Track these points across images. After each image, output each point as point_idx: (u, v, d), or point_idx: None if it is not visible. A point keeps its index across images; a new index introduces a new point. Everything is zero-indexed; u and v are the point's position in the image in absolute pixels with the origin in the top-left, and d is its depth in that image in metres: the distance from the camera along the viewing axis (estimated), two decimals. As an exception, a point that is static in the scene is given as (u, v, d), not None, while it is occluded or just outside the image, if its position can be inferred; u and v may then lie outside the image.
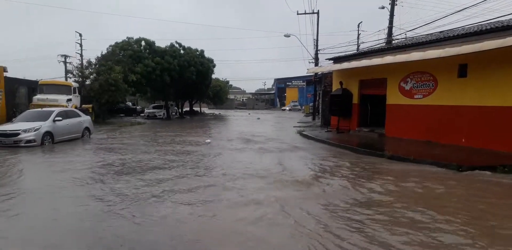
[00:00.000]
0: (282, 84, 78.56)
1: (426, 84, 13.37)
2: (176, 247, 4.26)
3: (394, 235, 4.55)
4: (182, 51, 35.46)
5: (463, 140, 11.81)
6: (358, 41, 33.07)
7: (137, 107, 42.45)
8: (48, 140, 13.04)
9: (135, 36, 33.26)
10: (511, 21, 11.32)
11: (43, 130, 12.79)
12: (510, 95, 10.57)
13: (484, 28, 11.45)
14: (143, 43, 33.25)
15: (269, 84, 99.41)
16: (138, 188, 6.83)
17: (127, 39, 32.77)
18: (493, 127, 10.97)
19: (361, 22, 35.35)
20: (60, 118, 13.68)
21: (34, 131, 12.56)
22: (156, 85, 32.81)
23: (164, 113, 35.54)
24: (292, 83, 76.30)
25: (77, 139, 14.75)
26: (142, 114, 37.12)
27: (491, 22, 13.51)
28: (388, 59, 13.28)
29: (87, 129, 15.58)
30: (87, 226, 4.89)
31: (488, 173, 8.38)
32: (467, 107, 11.82)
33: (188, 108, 47.39)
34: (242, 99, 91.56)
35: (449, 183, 7.45)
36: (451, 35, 12.63)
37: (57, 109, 14.34)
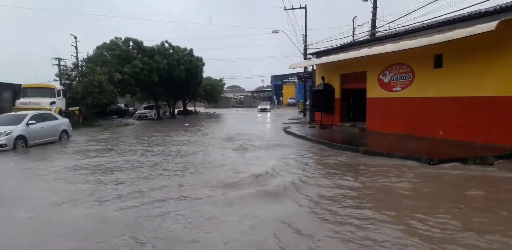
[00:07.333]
0: (278, 81, 78.25)
1: (403, 76, 13.11)
2: None
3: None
4: (171, 50, 35.26)
5: (441, 132, 11.56)
6: (353, 36, 31.78)
7: (130, 108, 42.20)
8: (21, 144, 12.83)
9: (129, 37, 33.05)
10: (483, 9, 11.00)
11: (15, 134, 12.57)
12: (483, 84, 10.32)
13: (457, 17, 11.16)
14: (131, 43, 33.00)
15: (268, 81, 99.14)
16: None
17: (114, 39, 32.50)
18: (468, 118, 10.72)
19: (356, 16, 33.29)
20: (34, 121, 13.43)
21: (6, 135, 12.33)
22: (145, 85, 32.59)
23: (155, 114, 35.28)
24: (289, 80, 75.87)
25: (54, 142, 14.54)
26: (134, 116, 36.90)
27: (469, 11, 13.21)
28: (364, 52, 13.02)
29: (64, 131, 15.35)
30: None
31: (458, 164, 8.20)
32: (443, 98, 11.55)
33: (181, 108, 47.13)
34: (240, 97, 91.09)
35: (417, 177, 7.28)
36: (425, 25, 12.34)
37: (31, 113, 14.07)
